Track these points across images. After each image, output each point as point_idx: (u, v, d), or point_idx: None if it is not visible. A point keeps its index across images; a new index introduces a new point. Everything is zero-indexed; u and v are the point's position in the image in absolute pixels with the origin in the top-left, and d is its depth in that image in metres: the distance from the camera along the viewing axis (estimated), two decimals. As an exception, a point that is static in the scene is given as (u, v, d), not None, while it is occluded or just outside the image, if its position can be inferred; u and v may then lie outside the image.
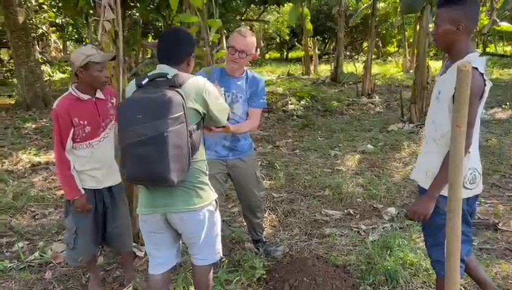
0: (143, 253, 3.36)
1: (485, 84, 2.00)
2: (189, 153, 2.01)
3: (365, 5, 16.22)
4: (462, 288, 2.85)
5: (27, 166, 5.84)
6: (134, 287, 2.97)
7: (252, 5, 9.92)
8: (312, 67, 17.37)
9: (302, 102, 10.09)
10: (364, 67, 11.05)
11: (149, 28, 20.20)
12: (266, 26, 21.43)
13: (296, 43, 22.79)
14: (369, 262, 3.17)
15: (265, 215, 4.18)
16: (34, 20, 16.48)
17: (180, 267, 3.11)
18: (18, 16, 9.40)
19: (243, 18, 11.89)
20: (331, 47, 22.06)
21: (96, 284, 2.97)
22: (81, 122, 2.61)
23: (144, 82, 2.05)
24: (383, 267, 3.01)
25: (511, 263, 3.21)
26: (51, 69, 17.78)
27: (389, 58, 22.04)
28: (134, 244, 3.24)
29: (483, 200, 4.32)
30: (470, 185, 2.07)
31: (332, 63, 14.64)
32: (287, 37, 21.61)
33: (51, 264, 3.37)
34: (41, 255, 3.45)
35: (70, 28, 20.44)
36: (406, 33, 18.64)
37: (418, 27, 8.78)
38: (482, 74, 1.98)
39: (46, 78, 16.74)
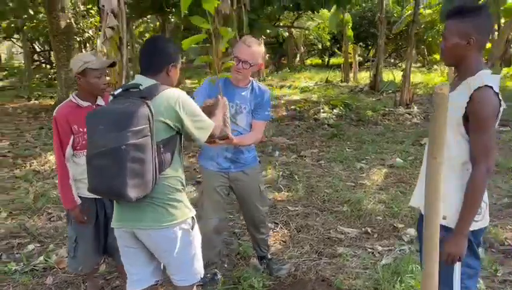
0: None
1: (500, 105, 1.78)
2: (155, 169, 1.90)
3: (410, 11, 15.72)
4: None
5: (53, 167, 5.97)
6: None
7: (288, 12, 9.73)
8: (351, 75, 16.98)
9: (335, 110, 9.83)
10: (403, 76, 10.62)
11: (192, 32, 20.51)
12: (307, 32, 21.21)
13: (336, 50, 22.39)
14: (376, 288, 2.94)
15: (277, 229, 4.03)
16: (81, 24, 17.16)
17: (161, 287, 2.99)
18: (60, 21, 9.74)
19: (276, 24, 11.77)
20: (374, 54, 21.53)
21: (94, 294, 2.93)
22: (81, 129, 2.56)
23: (116, 92, 2.00)
24: (390, 295, 2.79)
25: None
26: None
27: (435, 66, 21.20)
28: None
29: (515, 226, 3.97)
30: (476, 216, 1.84)
31: (372, 71, 14.21)
32: (328, 43, 21.27)
33: (54, 269, 3.37)
34: (46, 260, 3.46)
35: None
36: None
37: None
38: (497, 94, 1.76)
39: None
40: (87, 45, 18.32)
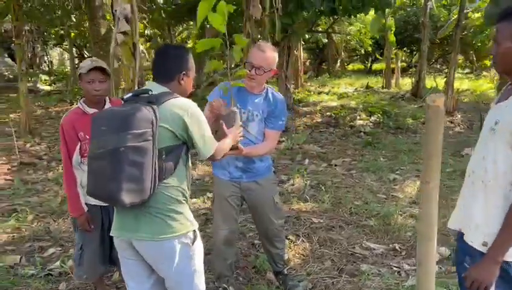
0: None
1: None
2: (154, 175, 1.82)
3: (456, 16, 15.04)
4: None
5: (85, 170, 6.06)
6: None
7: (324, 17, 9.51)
8: (393, 81, 16.46)
9: (373, 117, 9.50)
10: (445, 83, 10.13)
11: (231, 38, 20.60)
12: (348, 37, 20.79)
13: (377, 55, 21.81)
14: (396, 313, 2.72)
15: (298, 242, 3.86)
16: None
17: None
18: (101, 28, 9.99)
19: (314, 29, 11.56)
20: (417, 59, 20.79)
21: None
22: (87, 136, 2.52)
23: (126, 97, 1.96)
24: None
25: None
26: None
27: (484, 72, 20.21)
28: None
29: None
30: None
31: (414, 77, 13.69)
32: (370, 49, 20.75)
33: (69, 275, 3.35)
34: (61, 265, 3.46)
35: (159, 39, 21.55)
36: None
37: None
38: None
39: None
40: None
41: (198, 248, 2.08)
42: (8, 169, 6.07)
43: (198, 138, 1.96)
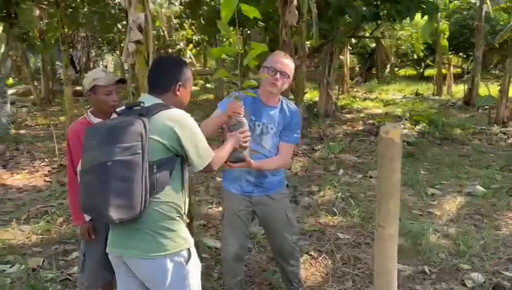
0: None
1: None
2: (144, 190, 1.76)
3: (516, 18, 14.13)
4: None
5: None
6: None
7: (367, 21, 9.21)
8: (445, 88, 15.69)
9: (418, 127, 9.06)
10: (499, 91, 9.49)
11: (273, 45, 20.54)
12: (399, 41, 20.12)
13: (428, 61, 20.90)
14: None
15: (320, 259, 3.69)
16: (173, 37, 18.11)
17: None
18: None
19: (356, 34, 11.23)
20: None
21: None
22: None
23: (119, 110, 1.94)
24: None
25: None
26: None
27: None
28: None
29: None
30: None
31: (467, 84, 12.96)
32: (421, 54, 19.94)
33: (86, 281, 3.39)
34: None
35: (205, 44, 21.90)
36: None
37: None
38: None
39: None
40: (179, 55, 19.31)
41: (194, 266, 1.99)
42: (48, 171, 6.31)
43: (191, 150, 1.88)
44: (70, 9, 10.83)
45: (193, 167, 1.94)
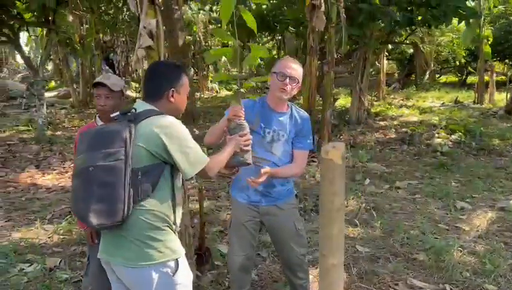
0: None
1: None
2: (127, 197, 1.74)
3: None
4: None
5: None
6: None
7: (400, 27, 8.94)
8: (487, 96, 15.02)
9: (454, 136, 8.69)
10: (543, 100, 8.97)
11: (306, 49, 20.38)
12: (439, 48, 19.48)
13: (469, 68, 20.10)
14: None
15: (335, 272, 3.56)
16: (209, 42, 18.31)
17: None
18: (179, 39, 10.38)
19: (389, 40, 10.93)
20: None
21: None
22: None
23: (113, 115, 1.93)
24: None
25: None
26: (219, 86, 19.44)
27: None
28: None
29: None
30: None
31: (509, 92, 12.35)
32: (463, 60, 19.21)
33: (99, 283, 3.42)
34: (93, 272, 3.54)
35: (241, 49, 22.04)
36: None
37: None
38: None
39: (213, 95, 18.41)
40: (215, 61, 19.50)
41: (183, 278, 1.94)
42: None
43: (179, 156, 1.83)
44: (108, 15, 11.13)
45: (183, 174, 1.89)
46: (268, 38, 13.67)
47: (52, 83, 19.17)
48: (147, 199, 1.82)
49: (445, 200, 5.23)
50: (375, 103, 14.06)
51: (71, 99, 13.88)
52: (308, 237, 3.55)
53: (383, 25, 8.25)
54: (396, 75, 23.38)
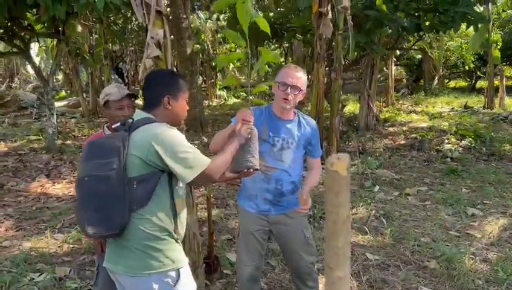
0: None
1: None
2: (123, 206, 1.75)
3: None
4: None
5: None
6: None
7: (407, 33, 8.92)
8: (497, 100, 14.88)
9: (464, 142, 8.61)
10: (555, 104, 8.86)
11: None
12: (448, 53, 19.38)
13: (479, 73, 19.96)
14: None
15: (344, 280, 3.53)
16: (217, 50, 18.40)
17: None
18: (187, 48, 10.45)
19: (396, 46, 10.88)
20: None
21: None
22: None
23: (114, 126, 1.96)
24: None
25: None
26: (227, 94, 19.51)
27: None
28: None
29: None
30: None
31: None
32: (472, 65, 19.08)
33: None
34: (103, 281, 3.55)
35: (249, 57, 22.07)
36: None
37: None
38: None
39: (221, 102, 18.47)
40: (223, 68, 19.62)
41: (185, 288, 1.93)
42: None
43: (174, 162, 1.81)
44: (117, 25, 11.24)
45: (181, 179, 1.87)
46: (276, 45, 13.67)
47: (63, 93, 19.36)
48: (143, 208, 1.82)
49: (455, 207, 5.17)
50: (383, 109, 13.99)
51: (81, 109, 14.01)
52: (317, 245, 3.53)
53: (390, 31, 8.23)
54: (404, 80, 23.25)
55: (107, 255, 1.96)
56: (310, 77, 12.53)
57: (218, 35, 17.86)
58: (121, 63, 21.64)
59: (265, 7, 12.85)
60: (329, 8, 6.14)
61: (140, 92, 2.23)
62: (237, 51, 19.54)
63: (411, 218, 4.87)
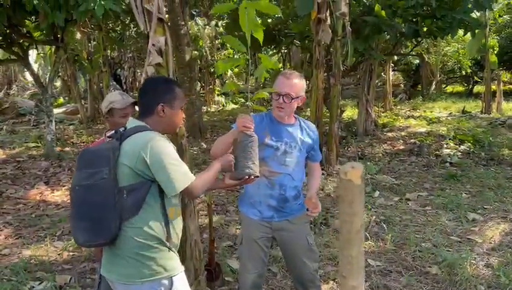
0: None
1: None
2: (113, 215, 1.75)
3: None
4: None
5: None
6: None
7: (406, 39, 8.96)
8: (495, 105, 14.93)
9: (463, 146, 8.62)
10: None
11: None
12: (445, 58, 19.46)
13: (476, 77, 20.05)
14: None
15: (346, 286, 3.52)
16: (215, 56, 18.44)
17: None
18: (185, 54, 10.47)
19: (394, 52, 10.93)
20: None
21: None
22: None
23: (108, 134, 2.00)
24: None
25: None
26: (225, 100, 19.52)
27: None
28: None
29: None
30: None
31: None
32: (469, 70, 19.17)
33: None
34: (103, 290, 3.53)
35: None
36: None
37: None
38: None
39: (220, 108, 18.47)
40: (221, 74, 19.65)
41: None
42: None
43: (160, 174, 1.81)
44: (115, 32, 11.26)
45: (166, 192, 1.85)
46: (274, 51, 13.71)
47: (61, 99, 19.34)
48: (134, 217, 1.81)
49: (456, 212, 5.17)
50: (382, 114, 14.01)
51: (79, 115, 13.99)
52: (319, 251, 3.52)
53: (388, 37, 8.27)
54: (402, 86, 23.34)
55: (103, 263, 1.97)
56: (308, 82, 12.56)
57: (217, 41, 17.92)
58: (119, 70, 21.68)
59: (263, 13, 12.94)
60: (328, 14, 6.16)
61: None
62: (235, 56, 19.64)
63: (412, 223, 4.87)
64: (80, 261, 4.15)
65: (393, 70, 19.56)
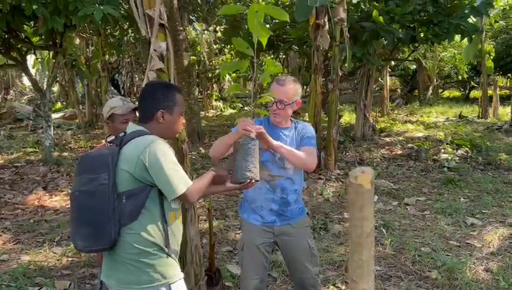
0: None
1: None
2: (112, 221, 1.75)
3: None
4: None
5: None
6: None
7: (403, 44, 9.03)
8: (491, 110, 15.02)
9: (460, 151, 8.66)
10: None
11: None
12: (442, 63, 19.58)
13: (472, 82, 20.17)
14: None
15: (346, 291, 3.53)
16: (213, 62, 18.48)
17: None
18: (184, 60, 10.49)
19: (391, 57, 10.99)
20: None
21: None
22: None
23: (109, 139, 2.02)
24: None
25: None
26: (223, 105, 19.55)
27: None
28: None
29: None
30: None
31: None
32: (465, 75, 19.28)
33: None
34: (103, 295, 3.52)
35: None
36: None
37: None
38: None
39: (218, 113, 18.49)
40: (219, 80, 19.70)
41: None
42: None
43: (160, 178, 1.81)
44: (114, 37, 11.27)
45: (166, 195, 1.86)
46: (272, 56, 13.77)
47: (58, 104, 19.33)
48: (133, 222, 1.81)
49: (454, 217, 5.19)
50: (379, 119, 14.07)
51: (77, 121, 13.99)
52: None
53: (386, 42, 8.32)
54: (399, 91, 23.45)
55: (103, 268, 1.97)
56: (306, 88, 12.56)
57: (215, 46, 17.97)
58: (117, 75, 21.67)
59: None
60: (326, 20, 6.21)
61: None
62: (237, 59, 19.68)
63: (411, 228, 4.88)
64: (79, 266, 4.14)
65: (390, 75, 19.64)
